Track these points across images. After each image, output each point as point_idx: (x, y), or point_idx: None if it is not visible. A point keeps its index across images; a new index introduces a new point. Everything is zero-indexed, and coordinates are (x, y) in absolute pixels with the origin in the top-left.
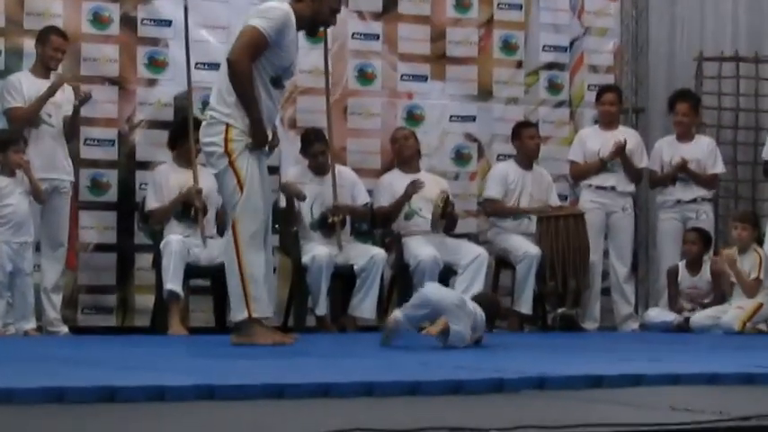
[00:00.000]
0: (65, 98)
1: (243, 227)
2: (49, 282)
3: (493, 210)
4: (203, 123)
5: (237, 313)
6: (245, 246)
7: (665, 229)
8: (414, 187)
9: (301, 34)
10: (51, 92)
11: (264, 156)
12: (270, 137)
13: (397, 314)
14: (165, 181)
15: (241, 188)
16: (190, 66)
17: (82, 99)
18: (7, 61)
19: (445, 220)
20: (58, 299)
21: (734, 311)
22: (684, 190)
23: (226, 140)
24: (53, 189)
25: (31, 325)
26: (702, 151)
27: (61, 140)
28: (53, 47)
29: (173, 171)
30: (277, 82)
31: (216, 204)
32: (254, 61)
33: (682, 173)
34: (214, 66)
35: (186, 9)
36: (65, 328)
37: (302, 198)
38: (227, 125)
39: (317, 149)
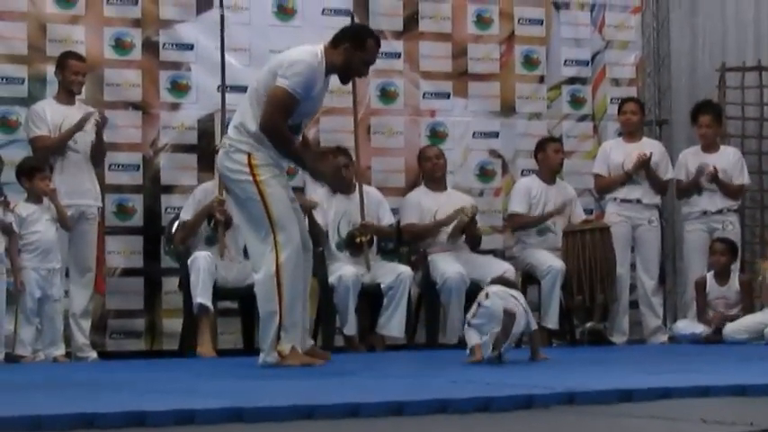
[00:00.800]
0: (90, 123)
1: (282, 255)
2: (78, 307)
3: (518, 224)
4: (220, 152)
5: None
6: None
7: (691, 241)
8: (458, 214)
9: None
10: (79, 126)
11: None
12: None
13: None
14: (206, 199)
15: (269, 216)
16: (224, 77)
17: (98, 124)
18: (31, 88)
19: (464, 234)
20: (86, 324)
21: None
22: (711, 201)
23: (250, 166)
24: (80, 215)
25: (59, 351)
26: (728, 162)
27: (88, 166)
28: (72, 71)
29: (215, 190)
30: (297, 128)
31: None
32: (287, 119)
33: (711, 182)
34: (236, 88)
35: (223, 21)
36: (94, 354)
37: (314, 207)
38: (249, 153)
39: (342, 162)
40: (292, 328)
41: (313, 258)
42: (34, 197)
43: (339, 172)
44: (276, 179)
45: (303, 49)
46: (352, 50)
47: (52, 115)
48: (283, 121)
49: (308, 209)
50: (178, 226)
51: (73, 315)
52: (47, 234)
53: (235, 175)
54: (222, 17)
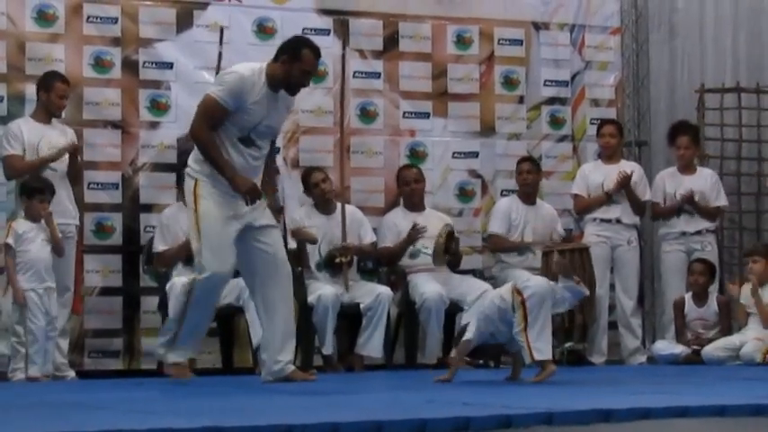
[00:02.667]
0: (66, 142)
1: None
2: (56, 327)
3: (497, 245)
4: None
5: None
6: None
7: (669, 261)
8: (415, 232)
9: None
10: (57, 156)
11: (248, 209)
12: (250, 186)
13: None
14: (173, 223)
15: (198, 235)
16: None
17: (71, 149)
18: (9, 107)
19: (448, 255)
20: (64, 343)
21: (753, 343)
22: (689, 222)
23: (194, 194)
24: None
25: (43, 370)
26: (705, 184)
27: (65, 184)
28: (58, 94)
29: (181, 213)
30: (247, 141)
31: None
32: (214, 127)
33: (688, 205)
34: None
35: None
36: (72, 373)
37: (315, 242)
38: (196, 180)
39: (317, 178)
40: (185, 347)
41: (294, 278)
42: (31, 216)
43: (254, 189)
44: (213, 208)
45: (239, 64)
46: (290, 62)
47: (29, 134)
48: (206, 127)
49: (306, 241)
50: (155, 256)
51: None
52: (41, 254)
53: (187, 201)
54: (220, 54)
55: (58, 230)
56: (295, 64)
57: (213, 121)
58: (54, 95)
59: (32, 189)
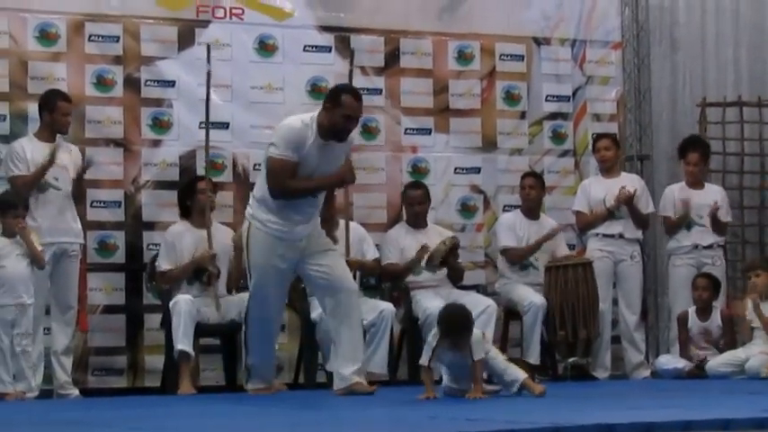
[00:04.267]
0: (71, 160)
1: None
2: (60, 345)
3: (515, 257)
4: None
5: None
6: None
7: (679, 276)
8: (422, 253)
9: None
10: (51, 160)
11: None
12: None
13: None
14: (178, 242)
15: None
16: (209, 124)
17: (82, 167)
18: (12, 126)
19: (444, 267)
20: (68, 362)
21: (759, 357)
22: (702, 235)
23: (247, 235)
24: (62, 252)
25: (22, 387)
26: (714, 199)
27: (69, 203)
28: (62, 113)
29: (187, 231)
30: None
31: (227, 264)
32: (291, 179)
33: (708, 216)
34: (217, 125)
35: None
36: (75, 391)
37: None
38: (250, 222)
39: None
40: (259, 376)
41: (296, 294)
42: (7, 232)
43: (349, 165)
44: (265, 248)
45: (289, 118)
46: (332, 109)
47: (33, 153)
48: (282, 182)
49: None
50: (158, 274)
51: (54, 353)
52: (16, 269)
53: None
54: (209, 73)
55: (36, 244)
56: (337, 110)
57: (285, 175)
58: (58, 114)
59: (6, 204)
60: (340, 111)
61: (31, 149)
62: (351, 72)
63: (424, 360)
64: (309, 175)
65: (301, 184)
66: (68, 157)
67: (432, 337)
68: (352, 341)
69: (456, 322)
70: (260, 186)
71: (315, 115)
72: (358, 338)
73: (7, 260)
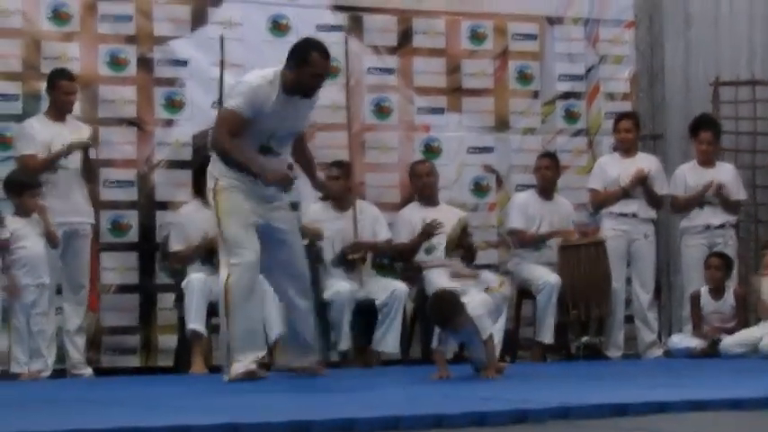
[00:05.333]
0: (79, 139)
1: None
2: (72, 324)
3: (521, 240)
4: None
5: None
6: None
7: (691, 255)
8: (431, 228)
9: None
10: (68, 152)
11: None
12: (280, 176)
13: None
14: (189, 222)
15: (222, 237)
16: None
17: (76, 147)
18: (25, 105)
19: (462, 249)
20: (81, 341)
21: None
22: (713, 215)
23: (215, 191)
24: (72, 232)
25: (37, 366)
26: (726, 177)
27: (79, 183)
28: (63, 91)
29: (198, 212)
30: (267, 150)
31: None
32: (237, 136)
33: (715, 196)
34: None
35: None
36: (89, 370)
37: (321, 238)
38: (216, 179)
39: (331, 174)
40: (244, 350)
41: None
42: (23, 212)
43: (285, 177)
44: (236, 201)
45: (252, 72)
46: (299, 67)
47: (43, 133)
48: (227, 137)
49: (312, 236)
50: (171, 254)
51: (67, 332)
52: (34, 249)
53: (209, 200)
54: (222, 37)
55: (51, 223)
56: (305, 68)
57: (233, 130)
58: (59, 93)
59: (21, 184)
60: (308, 69)
61: (40, 129)
62: (347, 50)
63: (434, 343)
64: (273, 131)
65: (235, 151)
66: (77, 136)
67: None
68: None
69: (439, 311)
70: None
71: (278, 71)
72: (311, 320)
73: (26, 240)
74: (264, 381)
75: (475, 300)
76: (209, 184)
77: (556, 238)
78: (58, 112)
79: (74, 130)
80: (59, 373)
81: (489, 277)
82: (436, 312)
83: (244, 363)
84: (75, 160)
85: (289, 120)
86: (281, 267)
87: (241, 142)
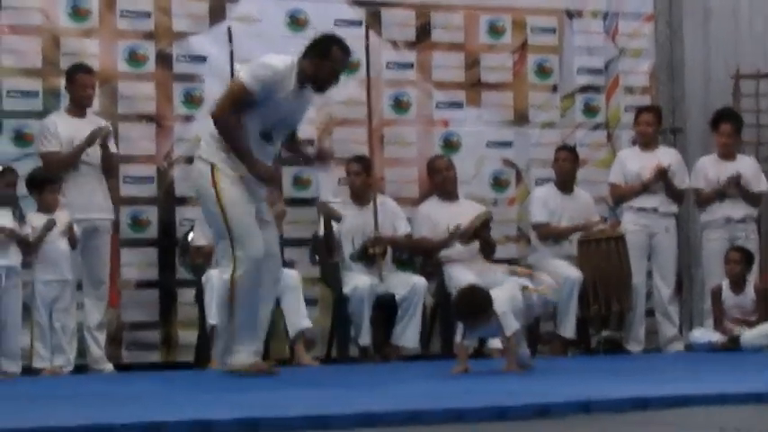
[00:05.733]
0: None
1: (238, 271)
2: (93, 320)
3: (545, 233)
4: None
5: None
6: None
7: (712, 249)
8: (454, 233)
9: None
10: (89, 142)
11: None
12: (270, 174)
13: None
14: None
15: (228, 231)
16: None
17: (103, 136)
18: (45, 102)
19: (476, 240)
20: (101, 337)
21: None
22: (734, 208)
23: (214, 182)
24: (92, 228)
25: (59, 362)
26: (747, 170)
27: (99, 179)
28: (80, 85)
29: None
30: (267, 136)
31: None
32: (238, 113)
33: (734, 189)
34: None
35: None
36: (109, 366)
37: (339, 219)
38: (213, 165)
39: (350, 168)
40: (245, 341)
41: (328, 269)
42: (44, 208)
43: (274, 178)
44: (240, 192)
45: (272, 55)
46: (320, 60)
47: (63, 129)
48: (230, 109)
49: (330, 218)
50: (194, 249)
51: (88, 328)
52: (56, 245)
53: (202, 188)
54: (231, 52)
55: (69, 222)
56: (325, 62)
57: (238, 105)
58: (77, 87)
59: (42, 180)
60: (328, 64)
61: (61, 125)
62: (367, 45)
63: (457, 337)
64: (277, 119)
65: (236, 134)
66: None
67: None
68: (265, 319)
69: (467, 307)
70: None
71: (295, 60)
72: (269, 318)
73: (49, 236)
74: (281, 376)
75: (500, 297)
76: (202, 167)
77: (575, 235)
78: (78, 107)
79: (94, 126)
80: (81, 368)
81: (545, 279)
82: (464, 308)
83: (245, 354)
84: (95, 156)
85: (294, 111)
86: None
87: (246, 123)
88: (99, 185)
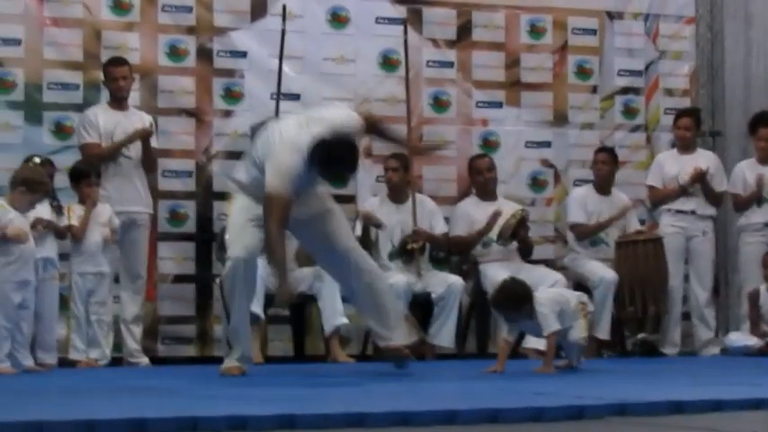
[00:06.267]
0: (141, 127)
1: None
2: (129, 313)
3: (583, 233)
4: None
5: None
6: None
7: (750, 253)
8: (494, 219)
9: None
10: (131, 140)
11: None
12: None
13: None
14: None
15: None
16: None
17: (144, 133)
18: (86, 94)
19: (516, 241)
20: (138, 330)
21: None
22: None
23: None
24: (131, 222)
25: (95, 355)
26: None
27: (139, 173)
28: (112, 77)
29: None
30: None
31: None
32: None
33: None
34: (289, 96)
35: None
36: (145, 359)
37: (381, 227)
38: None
39: (388, 165)
40: (235, 349)
41: None
42: (83, 200)
43: (290, 297)
44: (241, 209)
45: (287, 147)
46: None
47: (104, 122)
48: (280, 220)
49: (372, 224)
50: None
51: (124, 321)
52: (94, 238)
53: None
54: (283, 31)
55: (88, 216)
56: (330, 167)
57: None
58: (110, 80)
59: (79, 173)
60: (335, 168)
61: (102, 117)
62: (406, 41)
63: (503, 333)
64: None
65: (279, 247)
66: (140, 125)
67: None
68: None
69: (507, 297)
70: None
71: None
72: None
73: (87, 229)
74: (318, 372)
75: (542, 296)
76: (231, 184)
77: (614, 236)
78: (115, 99)
79: (137, 120)
80: (117, 361)
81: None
82: (504, 297)
83: (231, 359)
84: (135, 149)
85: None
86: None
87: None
88: (138, 179)
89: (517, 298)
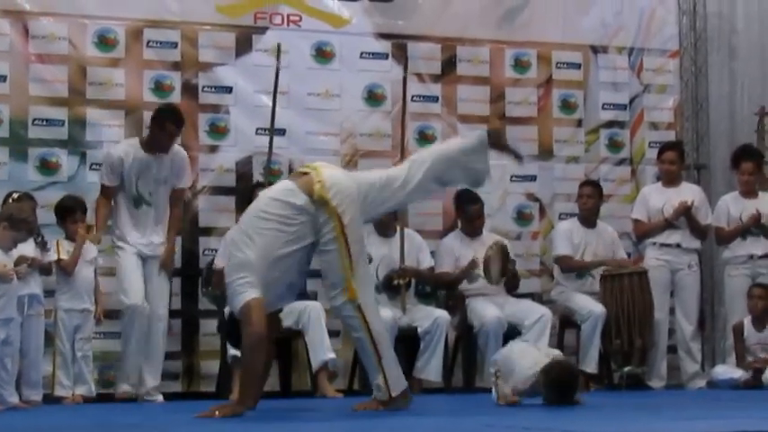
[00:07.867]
0: (171, 171)
1: None
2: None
3: (569, 266)
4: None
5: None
6: None
7: (734, 286)
8: (472, 266)
9: None
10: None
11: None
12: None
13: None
14: None
15: None
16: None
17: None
18: (71, 131)
19: (505, 276)
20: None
21: None
22: (756, 245)
23: None
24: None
25: (81, 391)
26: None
27: (162, 217)
28: (168, 133)
29: None
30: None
31: None
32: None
33: (756, 227)
34: (275, 130)
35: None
36: (159, 397)
37: (368, 260)
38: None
39: None
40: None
41: None
42: (71, 236)
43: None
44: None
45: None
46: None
47: (131, 164)
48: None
49: None
50: (213, 271)
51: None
52: (81, 274)
53: None
54: (278, 69)
55: (78, 253)
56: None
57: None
58: (163, 135)
59: (64, 209)
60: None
61: (131, 159)
62: (405, 79)
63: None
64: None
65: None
66: (169, 167)
67: (495, 375)
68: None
69: (563, 386)
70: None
71: None
72: None
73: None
74: (300, 406)
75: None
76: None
77: (598, 270)
78: (153, 148)
79: (166, 159)
80: (102, 397)
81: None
82: (566, 388)
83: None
84: (163, 195)
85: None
86: None
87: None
88: (160, 224)
89: (574, 386)
